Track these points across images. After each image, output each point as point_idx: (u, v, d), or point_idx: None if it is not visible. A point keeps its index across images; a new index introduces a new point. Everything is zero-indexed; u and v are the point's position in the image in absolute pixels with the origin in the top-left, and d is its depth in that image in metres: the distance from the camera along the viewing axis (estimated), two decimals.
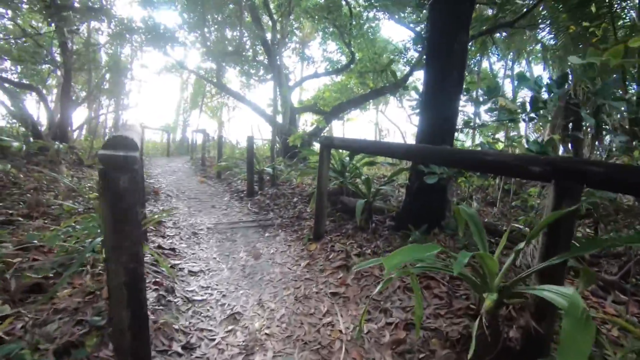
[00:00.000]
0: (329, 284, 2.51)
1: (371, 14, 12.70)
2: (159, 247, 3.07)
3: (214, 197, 5.96)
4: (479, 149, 3.15)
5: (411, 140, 15.22)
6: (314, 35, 16.25)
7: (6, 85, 9.54)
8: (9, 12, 10.82)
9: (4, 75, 12.62)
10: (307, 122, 14.90)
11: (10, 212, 3.66)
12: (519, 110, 2.63)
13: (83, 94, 13.09)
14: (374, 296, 2.13)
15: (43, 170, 5.15)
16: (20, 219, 3.13)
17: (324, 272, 2.71)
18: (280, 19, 13.30)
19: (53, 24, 10.55)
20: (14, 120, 10.19)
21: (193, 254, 3.11)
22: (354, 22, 12.27)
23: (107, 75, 12.64)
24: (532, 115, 2.50)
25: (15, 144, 5.42)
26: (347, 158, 4.76)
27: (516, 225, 2.91)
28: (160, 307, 2.07)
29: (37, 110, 13.81)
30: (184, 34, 11.93)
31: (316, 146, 12.05)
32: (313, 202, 4.63)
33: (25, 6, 9.26)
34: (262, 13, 11.48)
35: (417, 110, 3.70)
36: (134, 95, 16.24)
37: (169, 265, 2.69)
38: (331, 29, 13.68)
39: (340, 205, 4.25)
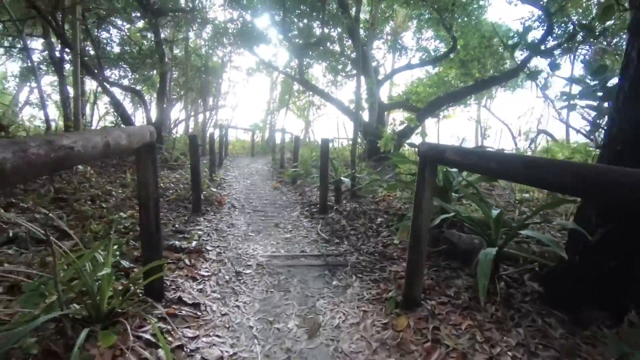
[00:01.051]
0: None
1: None
2: (180, 300, 2.16)
3: (282, 210, 5.06)
4: None
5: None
6: (407, 25, 14.56)
7: (111, 88, 10.24)
8: (125, 23, 11.77)
9: (123, 81, 14.03)
10: (395, 120, 13.45)
11: (55, 224, 3.20)
12: None
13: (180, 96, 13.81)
14: None
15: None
16: (67, 230, 2.52)
17: None
18: (370, 7, 12.07)
19: (150, 32, 11.10)
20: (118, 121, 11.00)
21: (223, 315, 2.12)
22: (456, 2, 10.34)
23: (203, 77, 13.05)
24: None
25: None
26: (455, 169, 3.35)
27: None
28: None
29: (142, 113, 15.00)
30: (273, 31, 11.56)
31: (406, 148, 10.53)
32: (403, 232, 3.35)
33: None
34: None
35: (598, 102, 2.14)
36: (229, 97, 16.66)
37: (175, 345, 1.74)
38: (427, 16, 11.90)
39: (446, 245, 2.88)
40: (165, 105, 12.00)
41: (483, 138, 18.89)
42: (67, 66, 10.27)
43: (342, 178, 4.78)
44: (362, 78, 10.61)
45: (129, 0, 9.89)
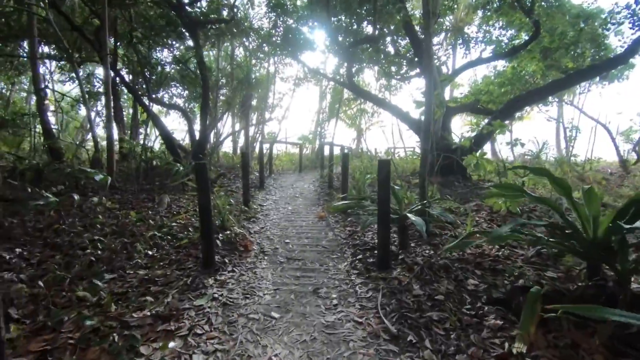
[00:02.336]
0: None
1: None
2: None
3: (326, 257, 3.71)
4: None
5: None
6: (471, 16, 12.58)
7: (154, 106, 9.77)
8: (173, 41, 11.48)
9: (177, 99, 13.89)
10: (455, 126, 11.48)
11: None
12: None
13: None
14: None
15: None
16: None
17: None
18: None
19: (191, 41, 10.58)
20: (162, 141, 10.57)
21: None
22: None
23: (245, 91, 12.34)
24: None
25: (100, 176, 4.44)
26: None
27: None
28: None
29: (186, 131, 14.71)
30: (319, 35, 10.43)
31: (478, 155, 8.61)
32: (528, 327, 1.85)
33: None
34: None
35: None
36: (276, 109, 15.89)
37: None
38: (496, 4, 9.93)
39: None
40: (208, 122, 11.44)
41: (568, 141, 15.97)
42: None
43: (409, 215, 3.31)
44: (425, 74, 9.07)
45: (170, 17, 9.43)
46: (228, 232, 4.00)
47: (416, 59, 9.99)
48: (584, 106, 16.15)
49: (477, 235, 2.82)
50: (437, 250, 3.55)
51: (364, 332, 2.22)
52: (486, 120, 10.29)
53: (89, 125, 14.72)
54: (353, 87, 10.23)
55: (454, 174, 8.71)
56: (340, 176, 8.31)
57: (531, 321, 1.91)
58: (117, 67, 10.37)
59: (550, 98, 13.13)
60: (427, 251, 3.54)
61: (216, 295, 2.69)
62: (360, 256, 3.63)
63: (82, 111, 15.92)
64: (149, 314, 2.29)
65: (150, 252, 3.51)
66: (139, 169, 7.25)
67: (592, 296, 2.10)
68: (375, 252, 3.59)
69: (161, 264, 3.26)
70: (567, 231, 2.17)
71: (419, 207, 3.70)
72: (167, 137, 9.84)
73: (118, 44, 10.24)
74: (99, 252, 3.28)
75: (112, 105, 7.29)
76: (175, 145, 10.02)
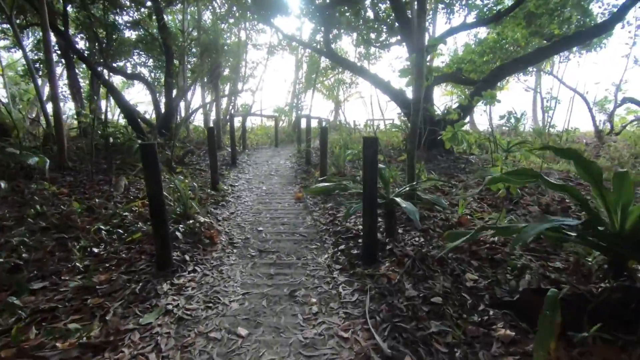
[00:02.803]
0: None
1: None
2: None
3: (305, 247, 3.28)
4: None
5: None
6: None
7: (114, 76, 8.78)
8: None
9: (142, 68, 12.64)
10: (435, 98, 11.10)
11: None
12: None
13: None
14: None
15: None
16: None
17: None
18: None
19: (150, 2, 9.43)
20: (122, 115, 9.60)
21: None
22: None
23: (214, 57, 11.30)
24: None
25: (35, 159, 3.74)
26: None
27: None
28: None
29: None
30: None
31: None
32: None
33: None
34: None
35: None
36: (249, 80, 14.87)
37: None
38: None
39: None
40: (174, 93, 10.49)
41: (545, 112, 15.99)
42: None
43: (398, 200, 2.88)
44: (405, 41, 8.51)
45: None
46: (191, 221, 3.47)
47: (397, 24, 9.33)
48: (564, 76, 16.08)
49: (489, 230, 2.40)
50: (427, 237, 3.19)
51: (351, 352, 1.82)
52: (467, 91, 9.91)
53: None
54: (331, 55, 9.53)
55: (437, 148, 8.39)
56: (318, 151, 7.80)
57: (551, 334, 1.56)
58: (70, 33, 9.17)
59: (530, 68, 12.88)
60: (416, 239, 3.17)
61: (170, 307, 2.21)
62: (342, 246, 3.21)
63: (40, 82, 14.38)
64: (77, 342, 1.79)
65: (95, 250, 2.96)
66: (94, 147, 6.46)
67: (619, 301, 1.76)
68: (360, 241, 3.19)
69: (107, 265, 2.72)
70: (599, 227, 1.79)
71: (407, 189, 3.28)
72: (128, 111, 8.93)
73: (69, 5, 8.97)
74: (25, 253, 2.69)
75: (55, 74, 6.35)
76: (138, 119, 9.13)
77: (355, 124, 16.09)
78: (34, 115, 12.47)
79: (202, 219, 3.54)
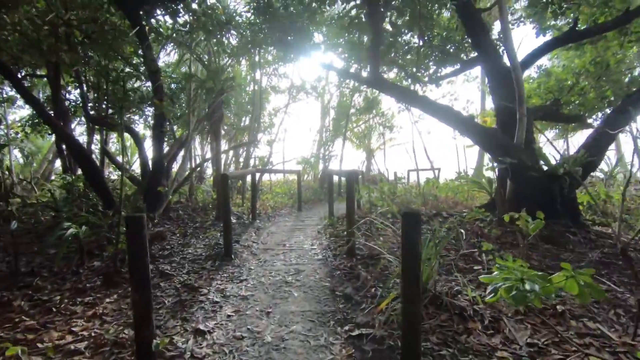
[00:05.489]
0: None
1: None
2: None
3: None
4: None
5: None
6: None
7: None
8: None
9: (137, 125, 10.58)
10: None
11: None
12: None
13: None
14: None
15: None
16: None
17: None
18: None
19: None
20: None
21: None
22: None
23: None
24: None
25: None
26: None
27: None
28: None
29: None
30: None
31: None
32: None
33: None
34: None
35: None
36: (274, 130, 12.40)
37: None
38: None
39: None
40: (165, 149, 8.03)
41: None
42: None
43: None
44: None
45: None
46: None
47: (468, 39, 6.62)
48: None
49: None
50: None
51: None
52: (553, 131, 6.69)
53: None
54: (379, 82, 6.70)
55: (556, 216, 5.12)
56: (370, 230, 4.75)
57: None
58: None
59: None
60: None
61: None
62: None
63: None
64: None
65: None
66: None
67: None
68: None
69: None
70: None
71: None
72: (90, 168, 6.32)
73: None
74: None
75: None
76: (102, 180, 6.46)
77: (396, 175, 12.93)
78: None
79: None
